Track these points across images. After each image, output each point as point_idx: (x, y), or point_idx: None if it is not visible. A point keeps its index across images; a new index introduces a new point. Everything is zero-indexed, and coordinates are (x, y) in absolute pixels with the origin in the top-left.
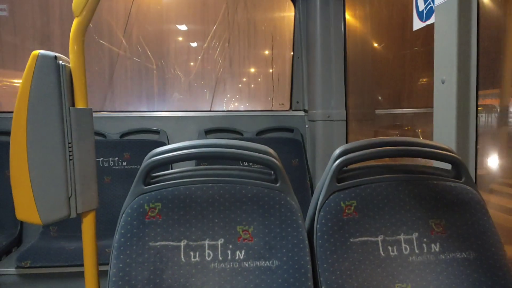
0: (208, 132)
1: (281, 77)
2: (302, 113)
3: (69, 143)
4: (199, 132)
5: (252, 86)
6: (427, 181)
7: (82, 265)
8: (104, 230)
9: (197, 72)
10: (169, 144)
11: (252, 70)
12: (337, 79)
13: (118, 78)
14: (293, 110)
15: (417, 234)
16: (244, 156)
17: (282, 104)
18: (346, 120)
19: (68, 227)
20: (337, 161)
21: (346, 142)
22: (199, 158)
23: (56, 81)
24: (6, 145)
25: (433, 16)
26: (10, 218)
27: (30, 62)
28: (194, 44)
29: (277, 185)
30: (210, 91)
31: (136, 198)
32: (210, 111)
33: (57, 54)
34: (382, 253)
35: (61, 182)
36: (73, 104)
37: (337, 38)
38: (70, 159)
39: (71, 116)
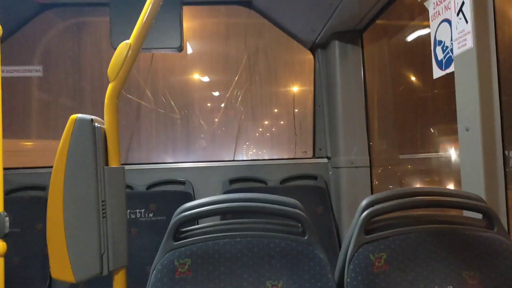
0: (232, 182)
1: (303, 125)
2: (325, 160)
3: (102, 201)
4: (223, 182)
5: (275, 134)
6: (458, 231)
7: None
8: (130, 282)
9: (220, 122)
10: (194, 194)
11: (274, 118)
12: (359, 126)
13: (144, 130)
14: (316, 158)
15: (451, 287)
16: (271, 210)
17: (305, 151)
18: (370, 166)
19: (97, 282)
20: (365, 213)
21: (371, 188)
22: (228, 213)
23: (92, 142)
24: (37, 200)
25: (453, 64)
26: (40, 274)
27: (68, 125)
28: (216, 94)
29: (305, 238)
30: (233, 140)
31: (166, 255)
32: (233, 160)
33: (93, 117)
34: None
35: (94, 240)
36: (107, 163)
37: (357, 85)
38: (103, 217)
39: (105, 175)
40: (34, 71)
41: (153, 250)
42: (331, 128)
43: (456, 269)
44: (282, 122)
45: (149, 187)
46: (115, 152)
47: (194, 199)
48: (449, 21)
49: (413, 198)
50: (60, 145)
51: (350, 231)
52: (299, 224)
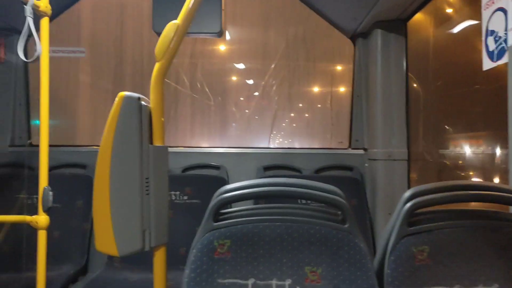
0: (266, 169)
1: (340, 115)
2: (361, 151)
3: (146, 178)
4: (257, 168)
5: (311, 123)
6: (506, 228)
7: None
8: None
9: (256, 109)
10: (228, 179)
11: (311, 107)
12: (399, 118)
13: (180, 114)
14: (352, 149)
15: (497, 285)
16: (313, 196)
17: (341, 142)
18: (409, 160)
19: (131, 259)
20: (409, 204)
21: (408, 183)
22: (269, 197)
23: (138, 120)
24: (78, 177)
25: (506, 56)
26: (78, 248)
27: (117, 102)
28: (252, 82)
29: (346, 226)
30: (267, 128)
31: (206, 234)
32: (268, 148)
33: (140, 96)
34: None
35: (137, 216)
36: (151, 142)
37: (399, 75)
38: (146, 194)
39: (150, 153)
40: (79, 52)
41: (187, 232)
42: (369, 119)
43: (503, 267)
44: (318, 112)
45: (184, 170)
46: (160, 131)
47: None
48: (504, 10)
49: (459, 192)
50: (108, 121)
51: (391, 222)
52: (339, 212)
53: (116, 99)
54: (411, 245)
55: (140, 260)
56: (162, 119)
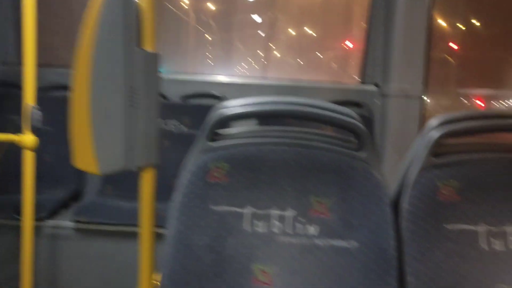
0: None
1: (353, 47)
2: (373, 87)
3: (131, 87)
4: None
5: (320, 55)
6: None
7: (136, 225)
8: (159, 193)
9: (264, 39)
10: None
11: (321, 37)
12: (417, 51)
13: (182, 41)
14: (363, 83)
15: None
16: (327, 118)
17: (352, 76)
18: (424, 97)
19: (125, 187)
20: (437, 131)
21: (422, 121)
22: (276, 116)
23: (122, 16)
24: (66, 100)
25: None
26: (71, 173)
27: None
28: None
29: (362, 154)
30: (275, 58)
31: (202, 156)
32: (273, 79)
33: None
34: (483, 246)
35: (122, 131)
36: (139, 45)
37: (421, 4)
38: (130, 105)
39: (137, 58)
40: None
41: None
42: (385, 51)
43: None
44: (329, 43)
45: (183, 99)
46: (150, 33)
47: None
48: None
49: (495, 120)
50: (88, 18)
51: (411, 152)
52: (356, 140)
53: None
54: (436, 178)
55: (135, 189)
56: (153, 20)
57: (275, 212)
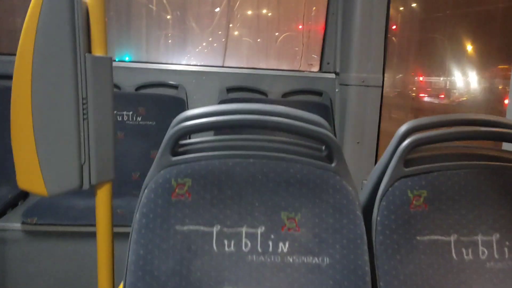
0: (230, 90)
1: (311, 35)
2: (333, 75)
3: (83, 98)
4: (220, 89)
5: (279, 42)
6: None
7: (92, 225)
8: (115, 189)
9: (221, 25)
10: (187, 101)
11: (280, 25)
12: (377, 40)
13: (134, 26)
14: (323, 72)
15: (498, 235)
16: (296, 128)
17: (311, 64)
18: (382, 87)
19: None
20: (407, 141)
21: (380, 111)
22: (241, 126)
23: (69, 19)
24: (6, 91)
25: None
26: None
27: None
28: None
29: (332, 165)
30: (233, 46)
31: (162, 171)
32: (232, 67)
33: None
34: (454, 256)
35: (72, 146)
36: (89, 51)
37: None
38: (84, 118)
39: (87, 65)
40: None
41: (139, 156)
42: (344, 40)
43: (507, 215)
44: (288, 31)
45: (138, 88)
46: (101, 35)
47: (187, 106)
48: None
49: (468, 128)
50: (27, 19)
51: (382, 161)
52: (323, 148)
53: None
54: (407, 188)
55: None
56: (104, 21)
57: (245, 230)
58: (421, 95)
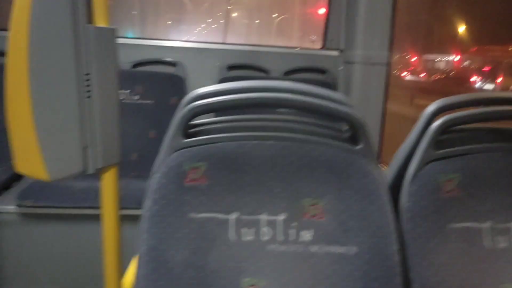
0: (230, 68)
1: (315, 10)
2: (336, 53)
3: (86, 74)
4: (220, 67)
5: (282, 18)
6: None
7: (91, 207)
8: None
9: (221, 1)
10: (186, 78)
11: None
12: (384, 15)
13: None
14: (326, 49)
15: None
16: (321, 107)
17: (314, 41)
18: (388, 64)
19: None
20: (439, 121)
21: (386, 89)
22: (260, 106)
23: None
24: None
25: None
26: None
27: None
28: None
29: (358, 147)
30: (234, 22)
31: (174, 154)
32: (233, 44)
33: None
34: (487, 244)
35: (74, 128)
36: (90, 21)
37: None
38: (87, 96)
39: (89, 38)
40: None
41: (139, 136)
42: (348, 16)
43: None
44: (290, 6)
45: (135, 65)
46: (102, 6)
47: (186, 84)
48: None
49: (502, 107)
50: None
51: (408, 143)
52: (348, 128)
53: None
54: (438, 173)
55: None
56: None
57: (264, 217)
58: (402, 74)
